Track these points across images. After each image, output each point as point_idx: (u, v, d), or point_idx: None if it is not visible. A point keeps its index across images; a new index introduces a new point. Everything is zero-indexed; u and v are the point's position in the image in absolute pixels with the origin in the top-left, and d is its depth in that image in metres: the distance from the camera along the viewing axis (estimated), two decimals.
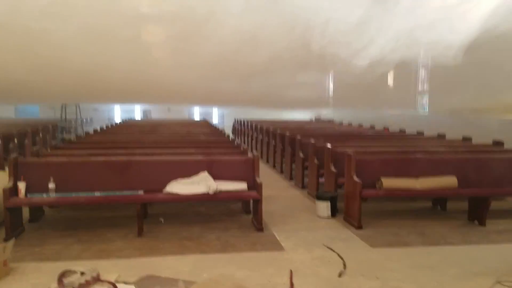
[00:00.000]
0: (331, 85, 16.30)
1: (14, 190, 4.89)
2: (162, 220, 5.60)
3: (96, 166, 5.27)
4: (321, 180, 6.94)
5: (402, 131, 10.49)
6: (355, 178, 5.41)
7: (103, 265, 3.98)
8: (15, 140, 9.23)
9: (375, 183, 5.56)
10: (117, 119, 19.97)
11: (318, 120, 17.29)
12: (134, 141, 7.83)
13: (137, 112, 21.55)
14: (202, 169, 5.44)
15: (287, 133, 8.98)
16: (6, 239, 4.65)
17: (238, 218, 5.86)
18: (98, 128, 10.81)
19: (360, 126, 12.64)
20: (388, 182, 5.43)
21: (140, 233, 5.01)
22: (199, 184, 5.25)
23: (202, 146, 7.19)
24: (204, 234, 5.10)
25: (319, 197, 5.92)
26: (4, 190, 4.77)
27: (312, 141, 7.35)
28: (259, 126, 12.20)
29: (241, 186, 5.31)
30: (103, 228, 5.27)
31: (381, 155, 6.19)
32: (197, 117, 21.42)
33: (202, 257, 4.40)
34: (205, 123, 14.82)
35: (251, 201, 5.77)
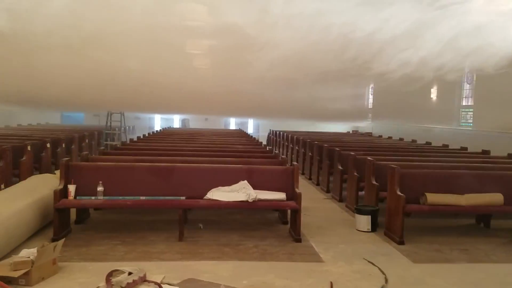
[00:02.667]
0: (371, 98, 16.12)
1: (64, 192, 5.13)
2: (201, 226, 5.70)
3: (142, 171, 5.45)
4: (361, 193, 6.86)
5: (445, 146, 10.20)
6: (399, 192, 5.32)
7: (146, 266, 4.08)
8: (63, 145, 9.66)
9: (418, 198, 5.44)
10: (157, 127, 20.52)
11: (355, 132, 17.10)
12: (175, 149, 8.02)
13: (175, 121, 22.07)
14: (242, 178, 5.52)
15: (325, 145, 8.94)
16: (54, 239, 4.87)
17: (275, 228, 5.88)
18: (141, 136, 11.16)
19: (401, 140, 12.40)
20: (433, 198, 5.31)
21: (181, 237, 5.12)
22: (239, 192, 5.33)
23: (240, 155, 7.28)
24: (242, 242, 5.15)
25: (360, 211, 5.85)
26: (55, 192, 5.01)
27: (352, 153, 7.29)
28: (295, 137, 12.21)
29: (280, 196, 5.34)
30: (146, 231, 5.43)
31: (425, 169, 6.06)
32: (232, 127, 21.70)
33: (241, 264, 4.45)
34: (241, 133, 14.97)
35: (289, 212, 5.79)
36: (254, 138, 12.07)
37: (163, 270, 4.09)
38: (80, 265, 4.24)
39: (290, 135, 13.08)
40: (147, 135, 12.04)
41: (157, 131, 14.67)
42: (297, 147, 11.76)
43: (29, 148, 7.66)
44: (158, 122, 21.84)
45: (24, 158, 7.45)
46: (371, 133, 16.09)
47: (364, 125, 17.45)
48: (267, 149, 8.72)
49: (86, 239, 5.08)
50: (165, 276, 3.83)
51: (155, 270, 4.01)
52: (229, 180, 5.49)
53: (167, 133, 13.28)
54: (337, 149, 8.13)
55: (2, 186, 6.53)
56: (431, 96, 13.28)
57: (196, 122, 20.86)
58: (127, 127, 14.95)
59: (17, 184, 6.01)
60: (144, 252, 4.69)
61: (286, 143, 13.38)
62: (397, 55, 5.34)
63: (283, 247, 5.01)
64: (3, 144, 7.35)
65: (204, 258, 4.58)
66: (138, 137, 10.69)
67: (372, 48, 5.70)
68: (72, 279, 3.90)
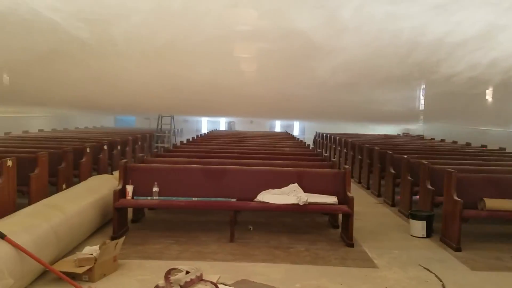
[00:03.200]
0: (422, 100, 15.59)
1: (122, 192, 5.37)
2: (251, 228, 5.76)
3: (194, 173, 5.60)
4: (415, 198, 6.67)
5: (501, 149, 9.69)
6: (456, 197, 5.13)
7: (201, 266, 4.19)
8: (118, 147, 10.09)
9: (475, 203, 5.22)
10: (204, 130, 20.95)
11: (406, 135, 16.60)
12: (224, 151, 8.16)
13: (222, 124, 22.44)
14: (292, 181, 5.53)
15: (376, 148, 8.76)
16: (113, 237, 5.10)
17: (326, 232, 5.83)
18: (190, 138, 11.45)
19: (454, 142, 11.90)
20: (492, 203, 5.07)
21: (232, 238, 5.21)
22: (289, 195, 5.34)
23: (289, 158, 7.29)
24: (292, 245, 5.16)
25: (414, 216, 5.69)
26: (115, 192, 5.25)
27: (406, 156, 7.09)
28: (343, 140, 12.05)
29: (332, 199, 5.30)
30: (198, 231, 5.56)
31: (483, 173, 5.80)
32: (277, 129, 21.75)
33: (293, 267, 4.46)
34: (288, 135, 14.96)
35: (339, 216, 5.73)
36: (301, 140, 12.03)
37: (217, 270, 4.18)
38: (138, 263, 4.42)
39: (337, 138, 12.92)
40: (195, 137, 12.34)
41: (204, 133, 14.97)
42: (345, 150, 11.60)
43: (88, 150, 8.07)
44: (205, 124, 22.31)
45: (83, 160, 7.85)
46: (422, 135, 15.55)
47: (415, 127, 16.87)
48: (316, 151, 8.67)
49: (142, 237, 5.28)
50: (220, 276, 3.92)
51: (209, 270, 4.10)
52: (278, 182, 5.53)
53: (214, 136, 13.52)
54: (389, 152, 7.94)
55: (64, 186, 6.91)
56: (487, 98, 12.65)
57: (242, 125, 21.10)
58: (176, 130, 15.38)
59: (78, 184, 6.34)
60: (197, 252, 4.81)
61: (334, 146, 13.22)
62: (466, 57, 5.12)
63: (335, 252, 4.96)
64: (65, 146, 7.78)
65: (256, 260, 4.63)
66: (188, 140, 10.96)
67: (440, 51, 5.51)
68: (131, 276, 4.08)
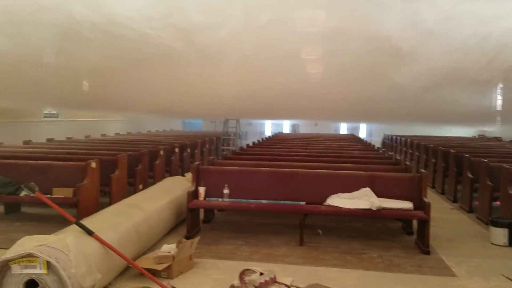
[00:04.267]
0: (500, 100, 14.51)
1: (195, 194, 5.57)
2: (320, 232, 5.71)
3: (263, 175, 5.67)
4: (495, 204, 6.23)
5: None
6: None
7: (272, 268, 4.23)
8: (188, 150, 10.48)
9: None
10: (267, 133, 21.09)
11: (482, 137, 15.54)
12: (291, 154, 8.16)
13: (285, 126, 22.45)
14: (363, 185, 5.41)
15: (452, 151, 8.30)
16: (187, 236, 5.30)
17: (399, 238, 5.63)
18: (255, 141, 11.60)
19: None
20: None
21: (301, 242, 5.20)
22: (361, 199, 5.23)
23: (359, 161, 7.13)
24: (365, 251, 5.04)
25: (495, 223, 5.32)
26: (188, 193, 5.46)
27: (485, 160, 6.66)
28: (415, 143, 11.55)
29: (407, 205, 5.11)
30: (267, 234, 5.62)
31: None
32: (343, 132, 21.34)
33: (366, 273, 4.36)
34: (354, 138, 14.63)
35: (414, 222, 5.50)
36: (369, 143, 11.71)
37: (288, 273, 4.19)
38: (211, 262, 4.56)
39: (408, 140, 12.43)
40: (260, 140, 12.47)
41: (269, 136, 15.08)
42: (417, 153, 11.13)
43: (161, 152, 8.46)
44: (268, 127, 22.46)
45: (157, 162, 8.25)
46: (500, 137, 14.47)
47: (492, 129, 15.73)
48: (387, 155, 8.40)
49: (214, 238, 5.43)
50: (293, 279, 3.92)
51: (281, 273, 4.13)
52: (349, 186, 5.43)
53: (279, 138, 13.56)
54: (467, 155, 7.49)
55: (140, 186, 7.31)
56: None
57: (306, 127, 20.96)
58: (241, 133, 15.65)
59: (154, 185, 6.67)
60: (268, 254, 4.86)
61: (404, 149, 12.73)
62: None
63: (410, 259, 4.78)
64: (140, 149, 8.23)
65: (327, 264, 4.58)
66: (254, 143, 11.11)
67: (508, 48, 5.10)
68: (206, 275, 4.21)
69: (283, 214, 6.32)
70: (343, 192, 5.42)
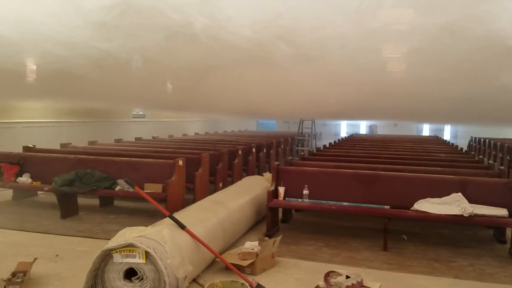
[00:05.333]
0: None
1: (275, 193, 5.63)
2: (405, 237, 5.49)
3: (345, 177, 5.58)
4: None
5: None
6: None
7: (357, 272, 4.16)
8: (264, 150, 10.63)
9: None
10: (343, 134, 20.70)
11: None
12: (370, 156, 7.94)
13: (362, 127, 21.88)
14: (453, 189, 5.12)
15: None
16: (267, 235, 5.38)
17: (491, 247, 5.25)
18: (332, 142, 11.46)
19: None
20: None
21: (385, 247, 5.04)
22: (451, 205, 4.95)
23: (445, 164, 6.75)
24: (453, 259, 4.77)
25: None
26: (268, 192, 5.55)
27: None
28: (505, 146, 10.65)
29: (501, 212, 4.75)
30: (347, 237, 5.52)
31: None
32: (425, 133, 20.29)
33: (457, 282, 4.13)
34: (438, 140, 13.85)
35: (507, 230, 5.10)
36: (456, 145, 11.02)
37: (373, 278, 4.09)
38: (293, 262, 4.58)
39: (498, 143, 11.50)
40: (337, 141, 12.29)
41: (345, 137, 14.80)
42: (508, 157, 10.25)
43: (240, 152, 8.67)
44: (344, 128, 22.03)
45: (236, 161, 8.47)
46: None
47: None
48: (477, 158, 7.85)
49: (293, 238, 5.45)
50: (381, 284, 3.83)
51: (366, 278, 4.03)
52: (437, 191, 5.17)
53: (356, 140, 13.26)
54: None
55: (220, 184, 7.56)
56: None
57: (384, 128, 20.26)
58: (316, 133, 15.51)
59: (235, 183, 6.86)
60: (349, 258, 4.78)
61: (494, 152, 11.80)
62: None
63: (504, 269, 4.45)
64: (220, 149, 8.51)
65: (414, 271, 4.40)
66: (330, 143, 10.98)
67: None
68: (289, 274, 4.25)
69: (363, 217, 6.18)
70: (430, 196, 5.17)
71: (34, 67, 4.37)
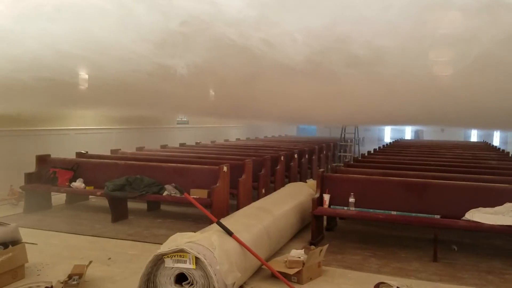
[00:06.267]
0: None
1: (320, 200, 5.60)
2: (455, 248, 5.30)
3: (393, 185, 5.46)
4: None
5: None
6: None
7: (403, 283, 4.06)
8: (306, 156, 10.57)
9: None
10: (387, 139, 20.23)
11: None
12: (418, 163, 7.72)
13: (407, 132, 21.27)
14: (507, 199, 4.89)
15: None
16: (311, 243, 5.35)
17: None
18: (377, 147, 11.23)
19: None
20: None
21: (435, 257, 4.89)
22: (505, 215, 4.73)
23: (498, 172, 6.45)
24: (508, 271, 4.58)
25: None
26: (313, 200, 5.52)
27: None
28: None
29: None
30: (395, 246, 5.39)
31: None
32: (473, 139, 19.47)
33: None
34: (488, 146, 13.26)
35: None
36: (507, 152, 10.51)
37: None
38: (339, 271, 4.53)
39: None
40: (381, 147, 12.03)
41: (389, 143, 14.46)
42: None
43: (282, 158, 8.68)
44: (388, 133, 21.49)
45: (278, 167, 8.49)
46: None
47: None
48: None
49: (339, 246, 5.39)
50: None
51: None
52: (489, 200, 4.97)
53: (401, 145, 12.94)
54: None
55: (263, 190, 7.59)
56: None
57: (431, 134, 19.59)
58: (359, 139, 15.28)
59: (279, 190, 6.87)
60: (398, 268, 4.66)
61: None
62: None
63: None
64: (262, 154, 8.56)
65: (465, 283, 4.25)
66: (375, 150, 10.77)
67: None
68: (336, 284, 4.20)
69: (411, 226, 6.01)
70: (483, 206, 4.97)
71: (86, 77, 4.59)
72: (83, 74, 4.26)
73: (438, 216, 5.04)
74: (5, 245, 4.05)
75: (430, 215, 5.08)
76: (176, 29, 2.61)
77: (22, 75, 4.09)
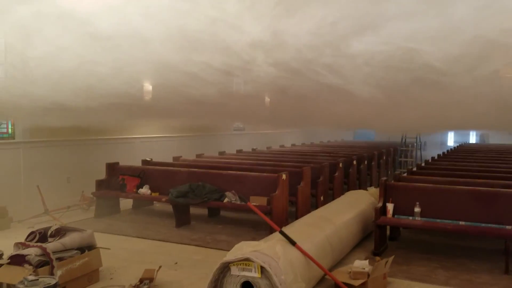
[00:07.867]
0: None
1: (383, 210, 5.47)
2: None
3: (461, 194, 5.22)
4: None
5: None
6: None
7: None
8: (365, 162, 10.35)
9: None
10: (449, 143, 19.32)
11: None
12: (486, 170, 7.30)
13: (471, 136, 20.19)
14: None
15: None
16: (375, 253, 5.24)
17: None
18: (440, 153, 10.77)
19: None
20: None
21: (506, 270, 4.62)
22: None
23: None
24: None
25: None
26: (376, 209, 5.40)
27: None
28: None
29: None
30: (463, 257, 5.15)
31: None
32: None
33: None
34: None
35: None
36: None
37: None
38: (406, 283, 4.40)
39: None
40: (445, 152, 11.52)
41: (454, 147, 13.80)
42: None
43: (340, 165, 8.57)
44: (451, 137, 20.52)
45: (336, 174, 8.38)
46: None
47: None
48: None
49: (404, 257, 5.23)
50: None
51: None
52: None
53: (466, 150, 12.31)
54: None
55: (322, 198, 7.54)
56: None
57: (498, 137, 18.43)
58: (421, 143, 14.70)
59: (339, 198, 6.80)
60: (467, 281, 4.46)
61: None
62: None
63: None
64: (320, 161, 8.50)
65: None
66: (439, 155, 10.33)
67: None
68: None
69: (481, 237, 5.71)
70: None
71: (150, 89, 4.84)
72: (148, 87, 4.50)
73: (510, 227, 4.75)
74: (82, 250, 4.34)
75: (501, 226, 4.80)
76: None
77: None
